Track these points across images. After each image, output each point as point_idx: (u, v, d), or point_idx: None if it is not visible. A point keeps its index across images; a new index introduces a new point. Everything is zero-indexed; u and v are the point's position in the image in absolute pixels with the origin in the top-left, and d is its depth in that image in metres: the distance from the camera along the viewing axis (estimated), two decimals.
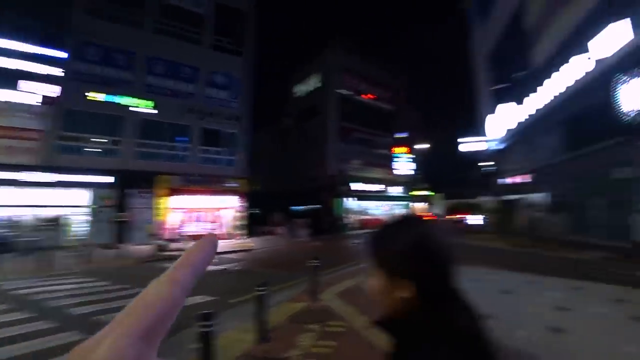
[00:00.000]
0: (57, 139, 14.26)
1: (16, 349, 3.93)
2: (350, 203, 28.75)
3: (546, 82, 8.70)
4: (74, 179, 14.47)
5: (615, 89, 6.27)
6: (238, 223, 20.50)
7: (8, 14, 13.17)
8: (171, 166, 17.66)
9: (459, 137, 14.11)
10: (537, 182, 10.55)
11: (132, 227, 15.48)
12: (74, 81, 14.79)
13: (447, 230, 0.73)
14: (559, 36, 8.46)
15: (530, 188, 10.87)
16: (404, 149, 35.20)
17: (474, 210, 24.38)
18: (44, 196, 13.66)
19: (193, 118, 19.06)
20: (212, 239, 0.31)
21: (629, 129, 6.18)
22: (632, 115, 6.01)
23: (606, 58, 6.65)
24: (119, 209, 15.05)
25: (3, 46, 12.96)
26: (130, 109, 16.64)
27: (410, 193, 36.22)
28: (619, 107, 6.24)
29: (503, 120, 11.61)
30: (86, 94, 15.27)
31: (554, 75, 8.34)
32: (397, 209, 34.70)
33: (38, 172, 13.47)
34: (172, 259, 10.30)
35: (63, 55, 14.47)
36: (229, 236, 19.74)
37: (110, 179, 15.24)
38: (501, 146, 12.77)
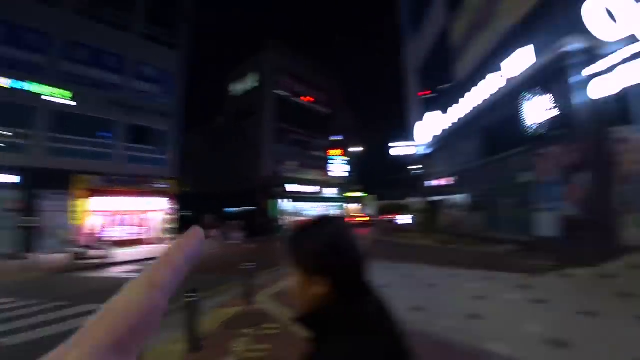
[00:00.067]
0: None
1: None
2: (286, 204, 28.51)
3: (467, 94, 9.54)
4: None
5: (521, 104, 7.14)
6: (167, 226, 19.07)
7: None
8: (92, 164, 15.82)
9: (390, 142, 14.88)
10: (458, 184, 11.58)
11: (43, 233, 13.59)
12: None
13: (356, 230, 0.84)
14: (478, 55, 9.47)
15: (453, 190, 11.91)
16: (338, 152, 35.80)
17: (403, 210, 25.62)
18: None
19: (118, 112, 17.13)
20: (197, 233, 0.30)
21: (531, 139, 7.15)
22: (533, 128, 6.92)
23: (514, 77, 7.57)
24: (27, 212, 12.99)
25: None
26: (43, 98, 14.47)
27: (344, 195, 36.95)
28: (524, 120, 7.12)
29: (430, 127, 12.42)
30: None
31: (474, 89, 9.17)
32: (332, 210, 35.23)
33: None
34: (92, 268, 9.63)
35: None
36: (157, 241, 18.27)
37: (16, 179, 13.29)
38: (428, 151, 13.74)
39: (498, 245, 7.42)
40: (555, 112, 6.43)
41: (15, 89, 13.75)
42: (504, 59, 7.81)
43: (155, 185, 18.82)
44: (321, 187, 33.58)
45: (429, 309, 4.77)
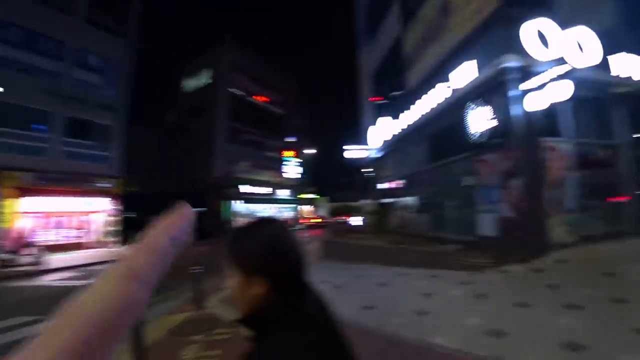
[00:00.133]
0: None
1: None
2: (239, 206, 27.75)
3: (417, 102, 10.03)
4: None
5: (466, 114, 7.68)
6: (110, 229, 17.53)
7: None
8: (24, 160, 14.17)
9: (344, 144, 15.19)
10: (408, 187, 12.13)
11: None
12: None
13: (310, 231, 0.90)
14: (428, 66, 10.03)
15: (403, 192, 12.45)
16: (291, 153, 35.61)
17: (356, 212, 26.12)
18: None
19: (55, 103, 15.39)
20: (185, 212, 0.27)
21: (473, 146, 7.73)
22: (476, 136, 7.48)
23: (460, 89, 8.12)
24: None
25: None
26: None
27: (298, 196, 36.86)
28: (468, 128, 7.67)
29: (381, 131, 12.85)
30: None
31: (423, 97, 9.66)
32: (286, 212, 35.01)
33: None
34: (21, 276, 8.77)
35: None
36: (98, 244, 16.80)
37: None
38: (379, 155, 14.24)
39: (444, 244, 7.90)
40: (495, 122, 6.99)
41: None
42: (450, 71, 8.34)
43: (97, 184, 17.17)
44: (274, 189, 33.18)
45: (380, 307, 4.97)
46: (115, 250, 16.36)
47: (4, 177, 13.45)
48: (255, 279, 0.77)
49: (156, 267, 0.21)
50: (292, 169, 35.88)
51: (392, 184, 13.38)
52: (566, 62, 6.21)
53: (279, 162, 34.62)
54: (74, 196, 16.30)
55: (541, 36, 6.73)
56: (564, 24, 6.91)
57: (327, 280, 7.16)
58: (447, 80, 8.56)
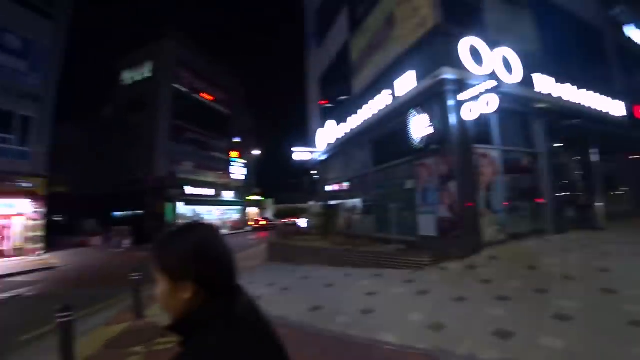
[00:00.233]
0: None
1: None
2: (183, 208, 26.33)
3: (361, 108, 10.41)
4: None
5: (407, 121, 8.12)
6: (33, 234, 15.60)
7: None
8: None
9: (291, 146, 15.18)
10: (353, 189, 12.51)
11: None
12: None
13: (222, 234, 0.89)
14: (372, 74, 10.42)
15: (348, 194, 12.81)
16: (235, 154, 34.83)
17: (303, 214, 26.17)
18: None
19: None
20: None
21: (414, 151, 8.20)
22: (416, 142, 7.94)
23: (402, 97, 8.59)
24: None
25: None
26: None
27: (245, 198, 36.09)
28: (409, 134, 8.11)
29: (326, 135, 13.11)
30: None
31: (367, 103, 10.05)
32: (231, 214, 34.08)
33: None
34: None
35: None
36: (18, 252, 14.98)
37: None
38: (325, 157, 14.48)
39: (388, 245, 8.25)
40: (433, 129, 7.48)
41: None
42: (393, 80, 8.81)
43: (17, 184, 15.06)
44: (219, 190, 32.08)
45: (327, 307, 5.10)
46: (37, 258, 14.79)
47: None
48: (183, 284, 0.77)
49: None
50: (237, 170, 35.10)
51: (338, 186, 13.67)
52: (494, 78, 6.87)
53: (224, 163, 33.65)
54: None
55: (475, 52, 7.43)
56: (493, 43, 7.82)
57: (274, 283, 7.15)
58: (390, 88, 8.99)
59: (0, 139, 14.82)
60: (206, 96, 32.28)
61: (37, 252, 15.56)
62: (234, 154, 34.88)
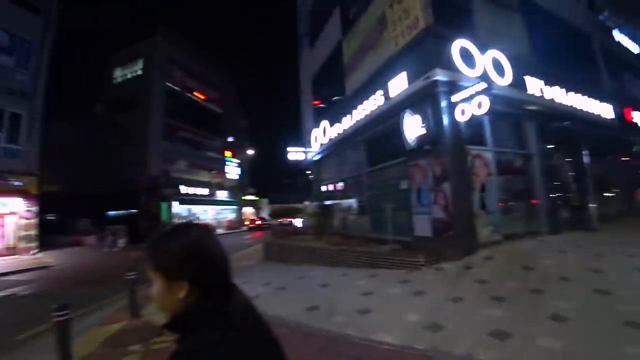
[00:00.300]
0: None
1: None
2: (178, 207, 26.17)
3: (354, 108, 10.46)
4: None
5: (400, 121, 8.18)
6: (26, 233, 15.58)
7: None
8: None
9: (286, 146, 15.18)
10: (347, 189, 12.56)
11: None
12: None
13: (216, 234, 0.91)
14: (364, 75, 10.46)
15: (343, 194, 12.87)
16: (229, 154, 34.75)
17: (298, 214, 26.18)
18: None
19: None
20: None
21: (407, 152, 8.27)
22: (409, 142, 8.01)
23: (394, 98, 8.64)
24: None
25: None
26: None
27: (242, 198, 35.99)
28: (402, 135, 8.17)
29: (320, 135, 13.13)
30: None
31: (360, 104, 10.10)
32: (227, 214, 33.96)
33: None
34: None
35: None
36: (11, 251, 14.98)
37: None
38: (319, 157, 14.50)
39: (383, 245, 8.29)
40: (426, 130, 7.54)
41: None
42: (386, 81, 8.87)
43: (8, 182, 14.95)
44: (213, 190, 31.92)
45: (323, 307, 5.11)
46: (31, 257, 14.65)
47: None
48: (177, 283, 0.79)
49: None
50: (231, 169, 35.01)
51: (333, 186, 13.71)
52: (485, 80, 6.96)
53: (218, 162, 33.56)
54: None
55: (467, 54, 7.51)
56: (484, 46, 7.92)
57: (269, 282, 7.17)
58: (382, 88, 9.05)
59: None
60: (199, 95, 32.11)
61: (31, 251, 15.50)
62: (227, 154, 34.77)
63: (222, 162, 34.19)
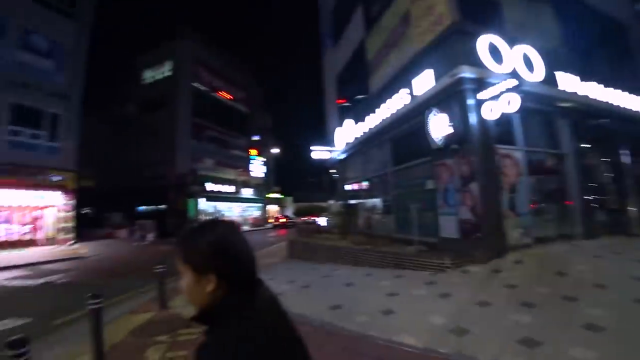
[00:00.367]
0: None
1: None
2: (204, 204, 26.89)
3: (379, 107, 10.31)
4: None
5: (426, 120, 8.04)
6: (64, 225, 16.69)
7: None
8: None
9: (310, 145, 15.25)
10: (372, 189, 12.47)
11: None
12: None
13: (241, 231, 0.94)
14: (389, 72, 10.34)
15: (367, 194, 12.79)
16: (254, 152, 35.24)
17: (323, 212, 26.25)
18: None
19: None
20: None
21: (433, 151, 8.11)
22: (435, 141, 7.85)
23: (420, 96, 8.46)
24: None
25: None
26: None
27: (264, 196, 36.44)
28: (428, 134, 8.03)
29: (345, 134, 13.08)
30: None
31: (384, 102, 9.95)
32: (252, 211, 34.47)
33: None
34: None
35: None
36: (50, 241, 16.06)
37: None
38: (344, 156, 14.48)
39: (408, 245, 8.19)
40: (452, 129, 7.37)
41: None
42: (411, 79, 8.69)
43: (48, 178, 15.95)
44: (239, 187, 32.55)
45: (347, 306, 5.11)
46: (71, 247, 15.55)
47: None
48: (206, 277, 0.82)
49: None
50: (256, 167, 35.51)
51: (357, 186, 13.66)
52: (515, 76, 6.72)
53: (243, 161, 34.16)
54: (23, 189, 15.23)
55: (494, 50, 7.27)
56: (513, 41, 7.57)
57: (293, 280, 7.24)
58: (408, 86, 8.89)
59: (32, 135, 15.80)
60: (225, 95, 32.77)
61: (68, 242, 16.58)
62: (252, 152, 35.30)
63: (248, 161, 34.76)
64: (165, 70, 29.14)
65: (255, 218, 34.28)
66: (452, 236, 7.49)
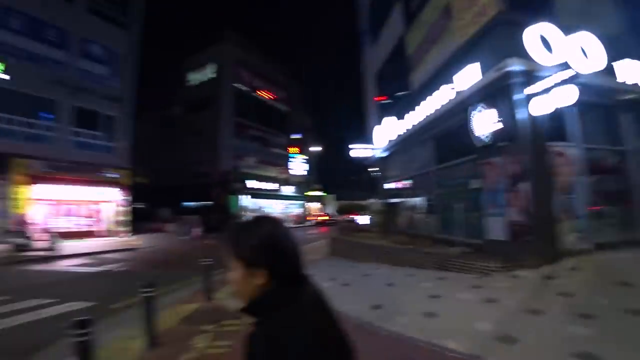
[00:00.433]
0: None
1: None
2: (246, 201, 27.86)
3: (421, 103, 10.02)
4: None
5: (470, 116, 7.72)
6: (120, 219, 18.33)
7: None
8: (32, 148, 14.48)
9: (350, 143, 15.25)
10: (414, 187, 12.20)
11: None
12: None
13: (289, 229, 0.97)
14: (431, 67, 10.03)
15: (410, 193, 12.52)
16: (296, 150, 35.70)
17: (363, 211, 26.16)
18: None
19: (62, 92, 15.68)
20: None
21: (478, 149, 7.77)
22: (481, 138, 7.52)
23: (464, 91, 8.09)
24: None
25: None
26: None
27: (304, 193, 36.89)
28: (473, 131, 7.71)
29: (386, 131, 12.87)
30: None
31: (427, 98, 9.65)
32: (292, 208, 35.03)
33: None
34: (36, 261, 9.32)
35: None
36: (109, 233, 17.66)
37: None
38: (384, 154, 14.29)
39: (451, 247, 7.96)
40: (500, 125, 7.01)
41: None
42: (454, 73, 8.32)
43: (106, 175, 17.60)
44: (280, 185, 33.28)
45: (387, 307, 5.08)
46: (127, 239, 16.83)
47: (14, 164, 13.87)
48: (255, 270, 0.86)
49: None
50: (298, 165, 36.03)
51: (399, 184, 13.44)
52: (570, 67, 6.24)
53: (284, 159, 34.82)
54: (84, 185, 16.91)
55: (545, 41, 6.76)
56: (567, 29, 6.91)
57: (334, 278, 7.30)
58: (450, 82, 8.56)
59: (91, 135, 17.56)
60: (266, 94, 33.57)
61: (124, 235, 18.00)
62: (294, 150, 35.83)
63: (289, 159, 35.32)
64: (209, 73, 30.71)
65: (295, 215, 34.79)
66: (499, 238, 7.13)
